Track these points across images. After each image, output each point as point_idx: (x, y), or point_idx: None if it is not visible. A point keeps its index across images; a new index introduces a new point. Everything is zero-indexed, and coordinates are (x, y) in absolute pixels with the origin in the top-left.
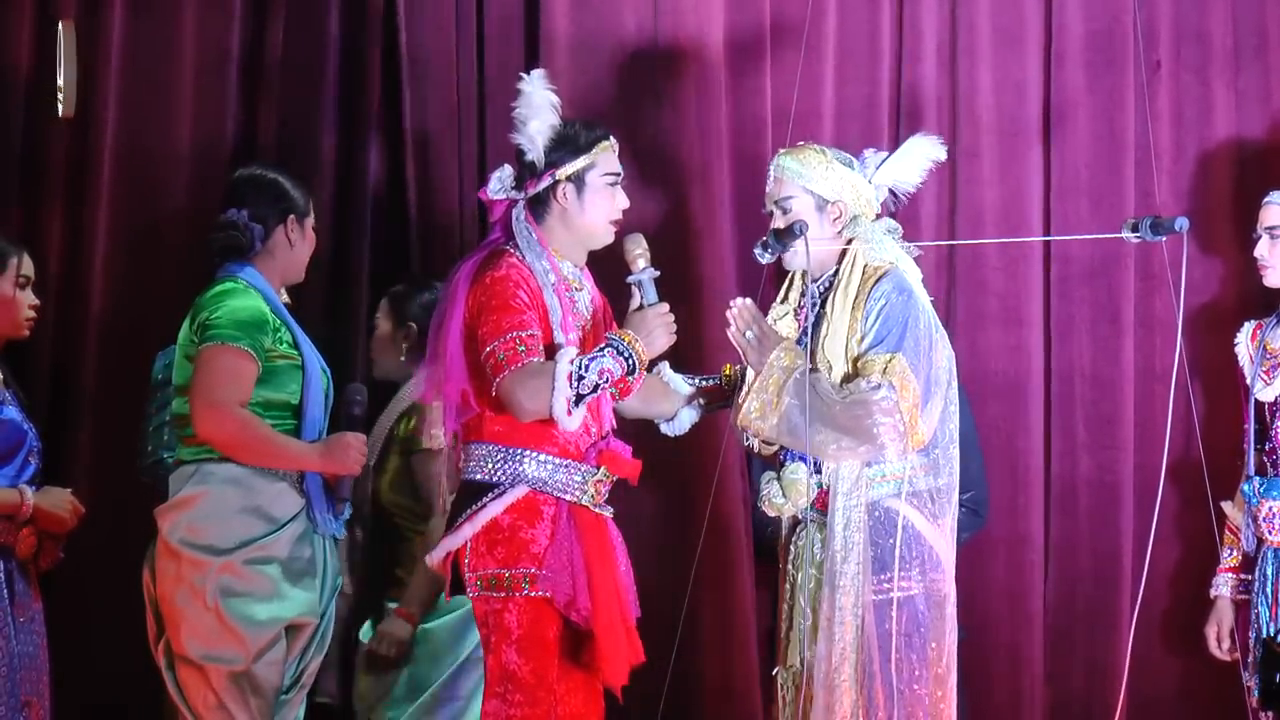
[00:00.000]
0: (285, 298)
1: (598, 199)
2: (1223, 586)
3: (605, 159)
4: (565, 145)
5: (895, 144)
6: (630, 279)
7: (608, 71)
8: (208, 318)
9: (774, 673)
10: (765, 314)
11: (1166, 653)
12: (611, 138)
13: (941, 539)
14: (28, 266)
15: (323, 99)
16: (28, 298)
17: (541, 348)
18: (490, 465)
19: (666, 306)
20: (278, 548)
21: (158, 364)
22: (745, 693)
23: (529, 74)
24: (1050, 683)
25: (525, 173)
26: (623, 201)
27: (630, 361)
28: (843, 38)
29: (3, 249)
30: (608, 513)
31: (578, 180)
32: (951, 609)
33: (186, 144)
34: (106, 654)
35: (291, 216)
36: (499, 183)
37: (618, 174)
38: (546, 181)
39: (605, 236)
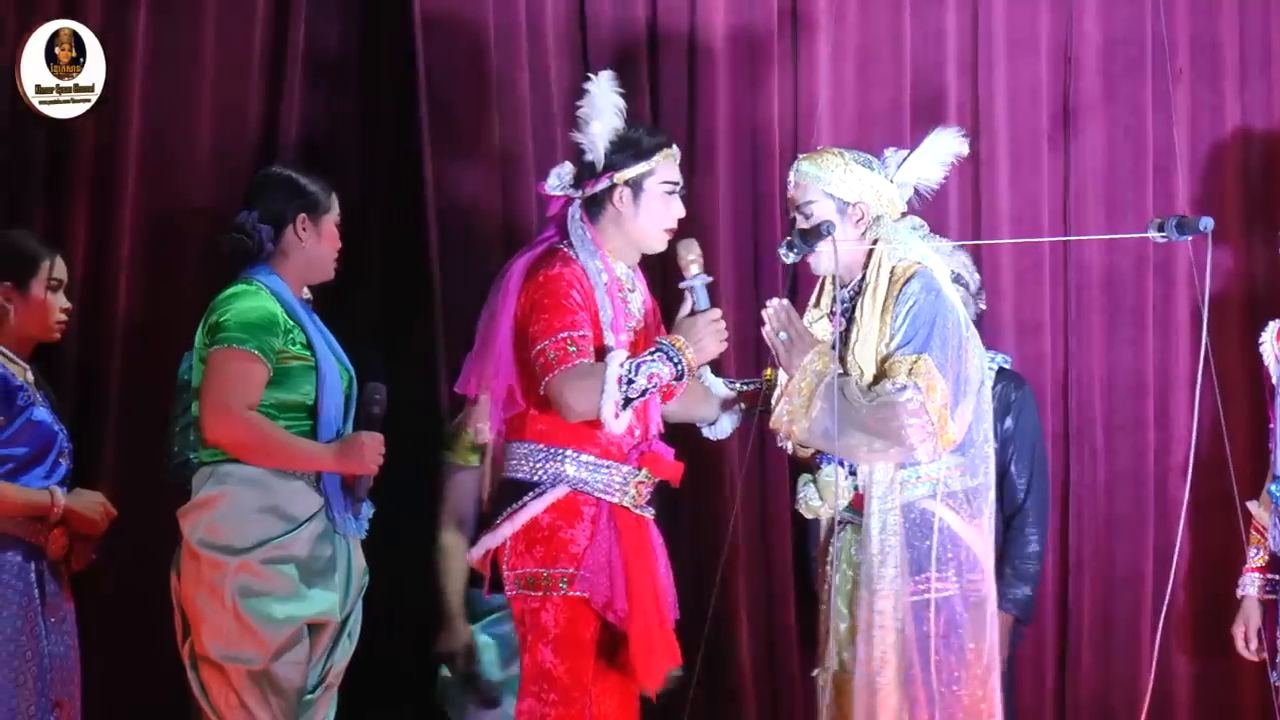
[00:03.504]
0: (308, 295)
1: (654, 205)
2: (1250, 586)
3: (666, 167)
4: (627, 149)
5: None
6: (683, 284)
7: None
8: (217, 320)
9: (813, 674)
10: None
11: (1187, 653)
12: (675, 146)
13: (979, 539)
14: (60, 270)
15: (345, 98)
16: (59, 301)
17: (592, 349)
18: (531, 464)
19: (719, 313)
20: (296, 547)
21: (183, 365)
22: (780, 694)
23: (596, 75)
24: (1069, 685)
25: (584, 172)
26: (679, 210)
27: (679, 367)
28: (865, 41)
29: (35, 251)
30: (649, 514)
31: (635, 185)
32: (992, 609)
33: (210, 144)
34: (136, 655)
35: (303, 215)
36: (557, 179)
37: (677, 183)
38: (604, 183)
39: (658, 244)
